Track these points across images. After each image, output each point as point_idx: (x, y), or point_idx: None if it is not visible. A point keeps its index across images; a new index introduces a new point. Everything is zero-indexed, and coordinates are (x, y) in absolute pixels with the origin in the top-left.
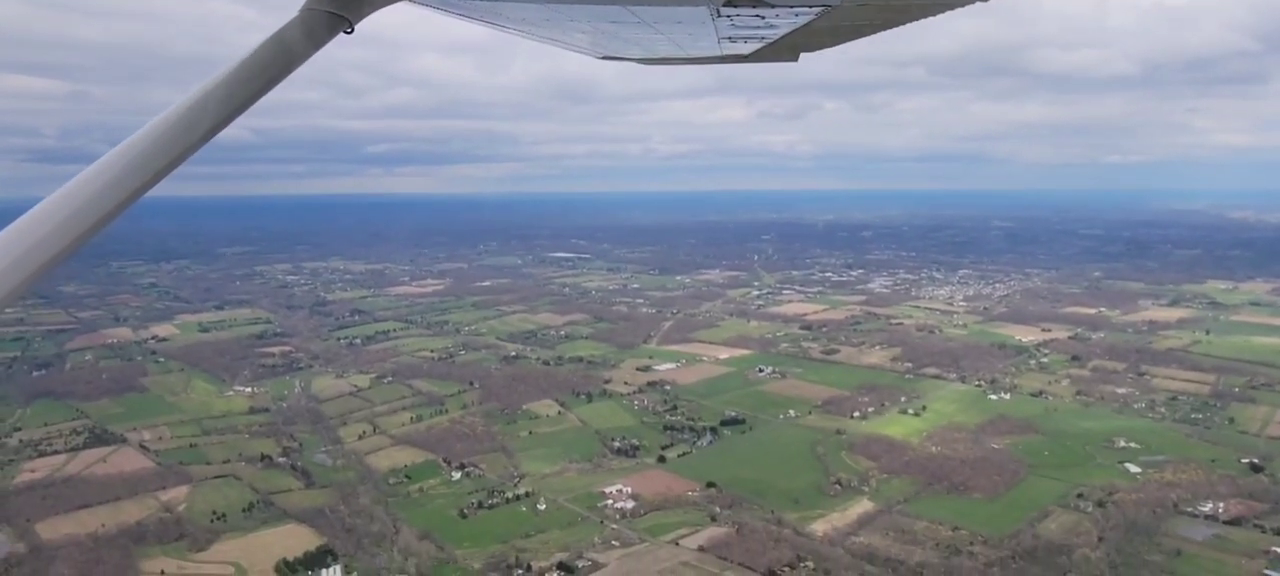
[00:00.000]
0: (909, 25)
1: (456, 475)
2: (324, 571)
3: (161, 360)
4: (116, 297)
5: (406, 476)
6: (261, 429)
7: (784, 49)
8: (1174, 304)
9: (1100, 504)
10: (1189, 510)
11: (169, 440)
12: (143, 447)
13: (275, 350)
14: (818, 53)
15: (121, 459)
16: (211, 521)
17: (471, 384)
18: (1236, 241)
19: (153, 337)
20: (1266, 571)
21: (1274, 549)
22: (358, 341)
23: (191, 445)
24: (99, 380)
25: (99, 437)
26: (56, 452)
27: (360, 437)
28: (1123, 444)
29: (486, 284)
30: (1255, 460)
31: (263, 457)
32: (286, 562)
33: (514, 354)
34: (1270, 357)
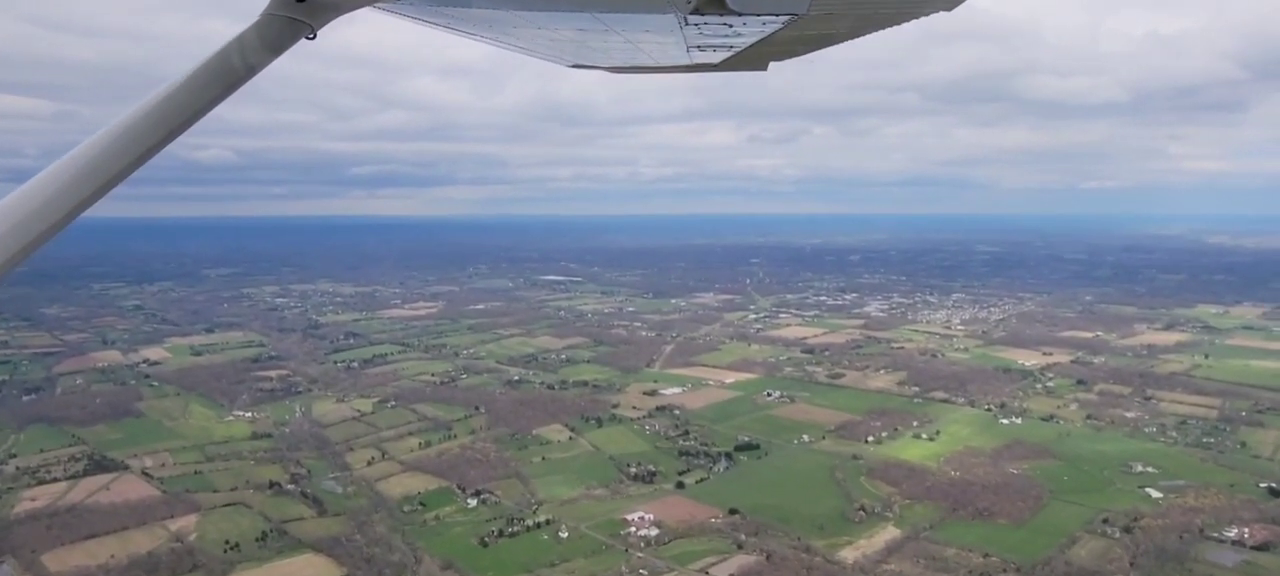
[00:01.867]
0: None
1: (472, 502)
2: None
3: (156, 384)
4: (102, 320)
5: (421, 504)
6: (266, 455)
7: (753, 58)
8: (1169, 328)
9: (1127, 529)
10: (1215, 536)
11: (172, 467)
12: (145, 474)
13: (272, 374)
14: (785, 61)
15: (124, 486)
16: (225, 551)
17: (477, 408)
18: (1218, 266)
19: (144, 361)
20: None
21: None
22: (355, 365)
23: (196, 471)
24: (93, 404)
25: (99, 464)
26: (56, 480)
27: (369, 464)
28: (1140, 468)
29: (480, 307)
30: (1274, 484)
31: (271, 484)
32: None
33: (517, 378)
34: (1270, 381)
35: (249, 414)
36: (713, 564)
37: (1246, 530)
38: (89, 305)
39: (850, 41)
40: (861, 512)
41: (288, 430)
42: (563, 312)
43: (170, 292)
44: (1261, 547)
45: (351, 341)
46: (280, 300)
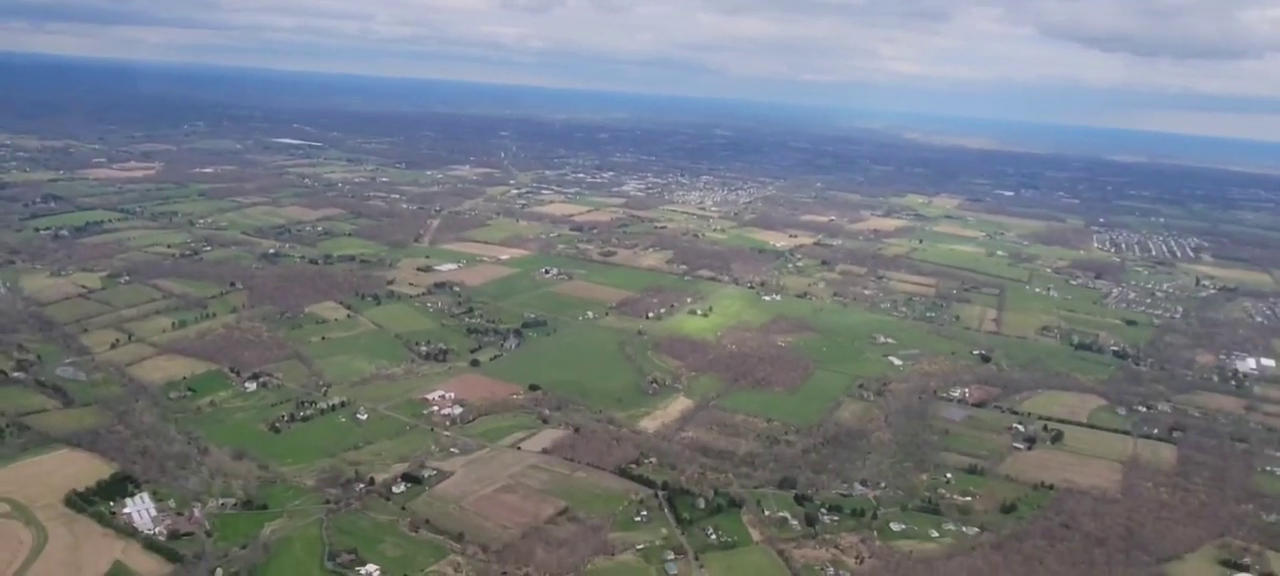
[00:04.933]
0: None
1: (251, 386)
2: (128, 500)
3: None
4: None
5: (190, 390)
6: None
7: None
8: (888, 215)
9: (878, 393)
10: (944, 396)
11: None
12: None
13: None
14: None
15: None
16: None
17: (233, 284)
18: (917, 160)
19: None
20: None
21: (1015, 426)
22: (65, 233)
23: None
24: None
25: None
26: None
27: (113, 346)
28: (882, 339)
29: (209, 171)
30: (984, 352)
31: None
32: (78, 494)
33: (273, 251)
34: (971, 264)
35: None
36: (523, 438)
37: (967, 390)
38: None
39: None
40: (654, 385)
41: None
42: (308, 181)
43: None
44: (980, 404)
45: (53, 205)
46: None
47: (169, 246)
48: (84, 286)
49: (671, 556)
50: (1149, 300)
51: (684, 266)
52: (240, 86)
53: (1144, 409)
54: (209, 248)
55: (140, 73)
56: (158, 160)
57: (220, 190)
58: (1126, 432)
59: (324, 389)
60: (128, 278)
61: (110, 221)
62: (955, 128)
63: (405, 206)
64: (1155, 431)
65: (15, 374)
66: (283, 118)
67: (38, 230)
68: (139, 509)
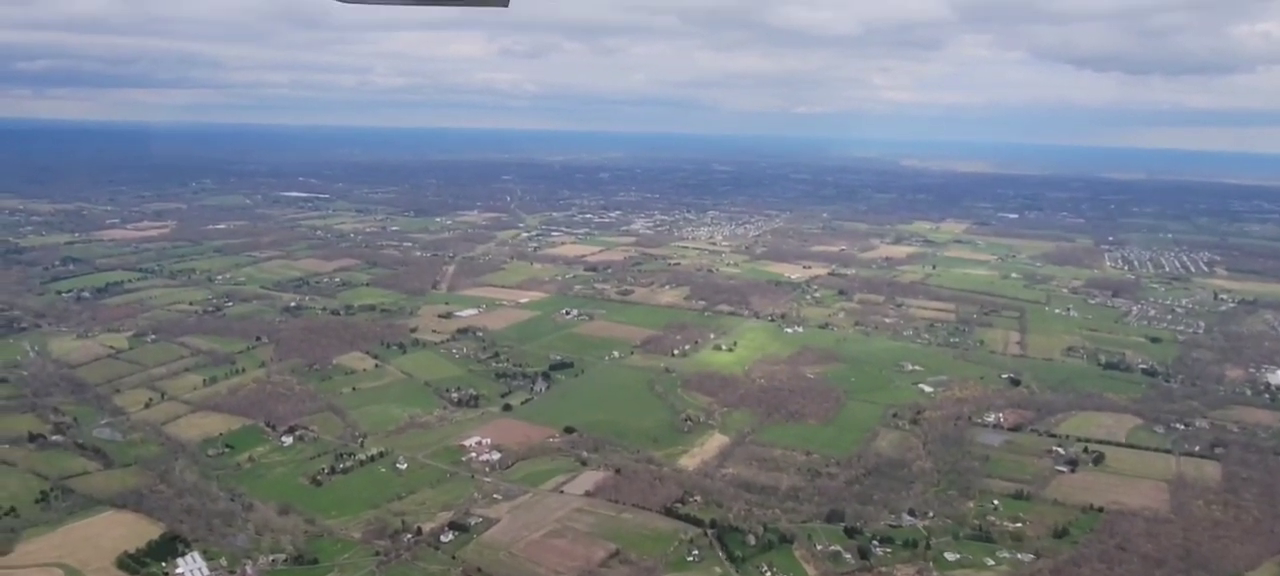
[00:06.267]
0: None
1: (288, 440)
2: (180, 560)
3: None
4: None
5: (227, 446)
6: (12, 403)
7: None
8: (898, 242)
9: (914, 421)
10: (980, 421)
11: None
12: None
13: None
14: None
15: None
16: (1, 518)
17: (259, 339)
18: (918, 186)
19: None
20: None
21: (1055, 449)
22: (87, 294)
23: None
24: None
25: None
26: None
27: (147, 405)
28: (910, 367)
29: (222, 227)
30: (1013, 375)
31: (32, 437)
32: (130, 555)
33: (294, 304)
34: (987, 288)
35: None
36: (564, 482)
37: (1001, 415)
38: None
39: None
40: (688, 422)
41: (27, 373)
42: (320, 233)
43: None
44: (1015, 428)
45: (72, 268)
46: None
47: (191, 304)
48: (111, 347)
49: None
50: (1170, 316)
51: (702, 302)
52: (242, 142)
53: (1182, 426)
54: (230, 303)
55: (144, 133)
56: (170, 219)
57: (235, 246)
58: (1168, 451)
59: (360, 439)
60: (153, 337)
61: (130, 281)
62: (951, 152)
63: (418, 254)
64: (1196, 448)
65: (53, 437)
66: (287, 171)
67: (60, 293)
68: (191, 569)
